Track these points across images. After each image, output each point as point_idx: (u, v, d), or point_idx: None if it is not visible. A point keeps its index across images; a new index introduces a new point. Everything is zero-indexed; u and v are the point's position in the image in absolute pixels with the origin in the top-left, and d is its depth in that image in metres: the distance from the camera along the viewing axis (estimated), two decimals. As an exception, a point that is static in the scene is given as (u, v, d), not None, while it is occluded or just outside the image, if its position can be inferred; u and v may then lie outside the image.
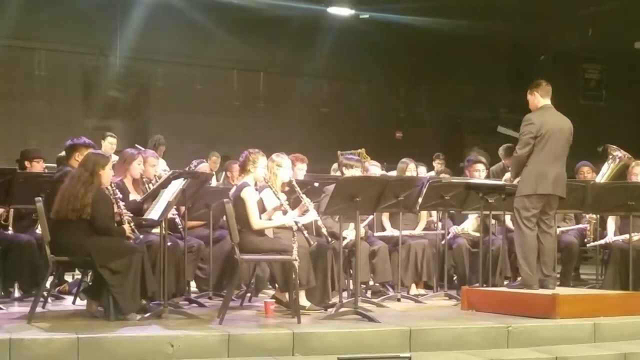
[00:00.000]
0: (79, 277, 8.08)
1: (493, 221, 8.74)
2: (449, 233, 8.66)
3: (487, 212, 8.22)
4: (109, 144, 10.80)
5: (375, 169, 9.24)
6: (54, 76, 14.32)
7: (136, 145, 9.36)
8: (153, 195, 6.96)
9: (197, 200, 7.63)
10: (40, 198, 6.62)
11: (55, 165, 8.75)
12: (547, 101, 7.55)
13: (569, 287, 8.46)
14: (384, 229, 8.65)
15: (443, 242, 8.48)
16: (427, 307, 7.80)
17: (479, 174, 8.94)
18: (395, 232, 8.31)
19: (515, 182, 7.58)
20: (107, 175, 6.68)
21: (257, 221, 6.98)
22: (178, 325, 6.25)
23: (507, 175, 8.42)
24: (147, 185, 7.64)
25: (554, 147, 7.38)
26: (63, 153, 8.45)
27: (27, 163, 8.33)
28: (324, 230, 7.17)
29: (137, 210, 7.08)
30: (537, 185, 7.31)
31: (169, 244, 6.99)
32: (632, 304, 7.29)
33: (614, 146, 9.49)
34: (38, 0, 13.66)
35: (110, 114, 14.51)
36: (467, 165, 9.25)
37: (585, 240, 9.10)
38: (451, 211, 8.56)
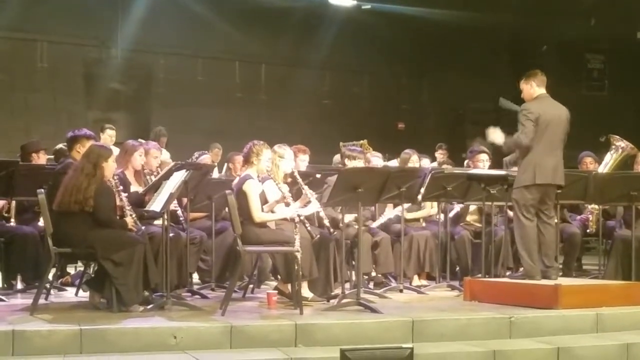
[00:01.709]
0: (82, 268, 8.10)
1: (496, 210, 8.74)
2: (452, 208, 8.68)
3: (489, 203, 8.21)
4: (108, 136, 10.80)
5: (377, 160, 9.23)
6: (55, 68, 14.31)
7: (139, 140, 9.36)
8: (155, 187, 6.96)
9: (199, 192, 7.63)
10: (42, 190, 6.63)
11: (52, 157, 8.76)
12: (543, 90, 7.50)
13: (571, 277, 8.46)
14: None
15: (449, 215, 8.44)
16: (429, 298, 7.80)
17: (483, 165, 8.86)
18: (396, 212, 8.28)
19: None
20: (110, 168, 6.70)
21: (259, 214, 6.98)
22: (181, 316, 6.26)
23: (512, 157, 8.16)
24: (147, 177, 7.65)
25: (552, 136, 7.35)
26: (59, 145, 8.46)
27: (34, 155, 8.33)
28: (326, 222, 7.17)
29: (139, 201, 7.08)
30: (536, 176, 7.28)
31: (171, 235, 6.99)
32: (635, 294, 7.29)
33: (617, 136, 9.47)
34: (39, -8, 13.68)
35: (112, 106, 14.48)
36: (471, 156, 9.17)
37: (588, 230, 9.10)
38: (453, 202, 8.55)
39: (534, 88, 7.48)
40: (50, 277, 7.14)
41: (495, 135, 7.61)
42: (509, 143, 7.54)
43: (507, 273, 8.28)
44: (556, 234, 7.82)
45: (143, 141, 8.35)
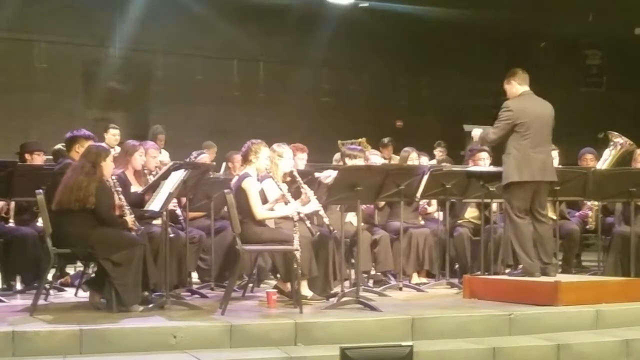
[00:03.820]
0: (81, 269, 8.10)
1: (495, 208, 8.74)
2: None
3: (488, 200, 8.21)
4: (112, 135, 10.82)
5: (375, 158, 9.23)
6: (54, 68, 14.28)
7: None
8: (154, 187, 6.96)
9: (198, 191, 7.63)
10: (41, 190, 6.62)
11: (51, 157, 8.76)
12: (526, 87, 7.49)
13: (570, 274, 8.46)
14: (384, 220, 8.62)
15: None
16: (429, 296, 7.80)
17: (483, 163, 8.82)
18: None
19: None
20: (108, 167, 6.70)
21: (260, 211, 6.97)
22: (180, 316, 6.26)
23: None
24: (147, 177, 7.65)
25: (537, 133, 7.32)
26: (58, 146, 8.46)
27: (27, 155, 8.33)
28: (326, 220, 7.17)
29: (139, 202, 7.08)
30: (523, 173, 7.25)
31: (170, 235, 6.99)
32: (634, 290, 7.30)
33: (615, 132, 9.47)
34: (37, -9, 13.67)
35: (110, 106, 14.50)
36: (470, 154, 9.13)
37: (587, 227, 9.10)
38: (452, 200, 8.56)
39: (516, 87, 7.49)
40: (49, 277, 7.14)
41: (476, 132, 7.75)
42: (481, 135, 7.64)
43: (507, 270, 8.28)
44: (553, 231, 7.82)
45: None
